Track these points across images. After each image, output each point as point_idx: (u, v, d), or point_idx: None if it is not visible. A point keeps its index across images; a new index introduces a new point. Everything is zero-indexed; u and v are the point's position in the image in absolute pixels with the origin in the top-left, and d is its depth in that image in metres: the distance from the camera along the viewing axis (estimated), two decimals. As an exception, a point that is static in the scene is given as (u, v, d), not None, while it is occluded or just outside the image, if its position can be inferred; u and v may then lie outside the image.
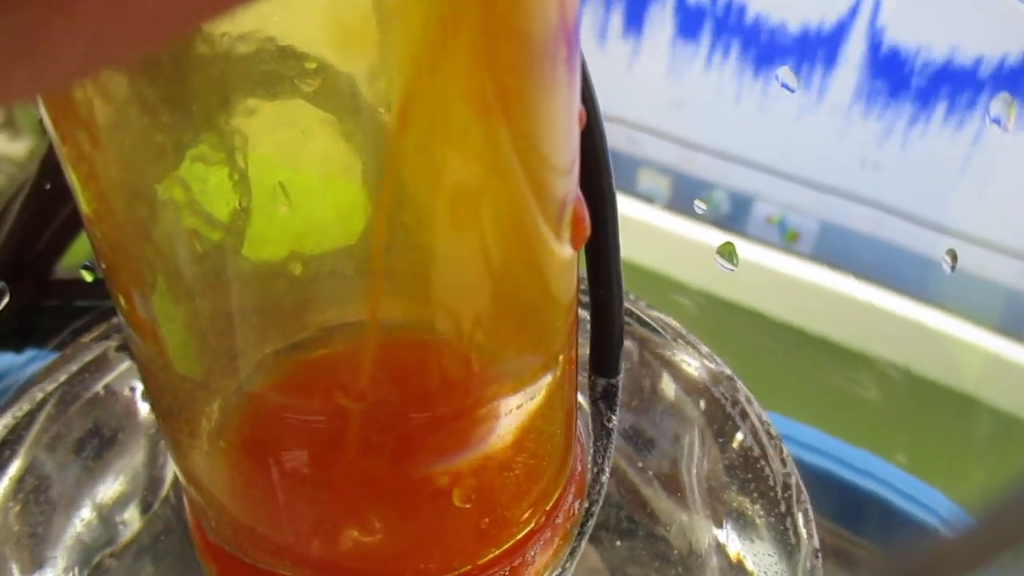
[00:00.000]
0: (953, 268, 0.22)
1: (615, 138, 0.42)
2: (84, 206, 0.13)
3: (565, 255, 0.15)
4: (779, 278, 0.38)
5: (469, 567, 0.15)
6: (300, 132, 0.13)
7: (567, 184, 0.14)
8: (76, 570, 0.18)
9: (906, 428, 0.25)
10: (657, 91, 0.40)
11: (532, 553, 0.16)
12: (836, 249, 0.38)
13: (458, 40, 0.12)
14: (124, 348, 0.21)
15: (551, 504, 0.16)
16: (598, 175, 0.19)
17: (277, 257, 0.14)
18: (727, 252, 0.24)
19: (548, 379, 0.15)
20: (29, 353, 0.23)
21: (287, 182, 0.13)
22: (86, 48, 0.07)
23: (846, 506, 0.23)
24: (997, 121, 0.23)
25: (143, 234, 0.13)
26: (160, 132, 0.12)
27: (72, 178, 0.13)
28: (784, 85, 0.31)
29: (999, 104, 0.23)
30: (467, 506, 0.14)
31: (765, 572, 0.19)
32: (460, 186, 0.13)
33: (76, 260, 0.23)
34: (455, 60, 0.12)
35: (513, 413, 0.15)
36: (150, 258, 0.14)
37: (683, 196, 0.41)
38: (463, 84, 0.12)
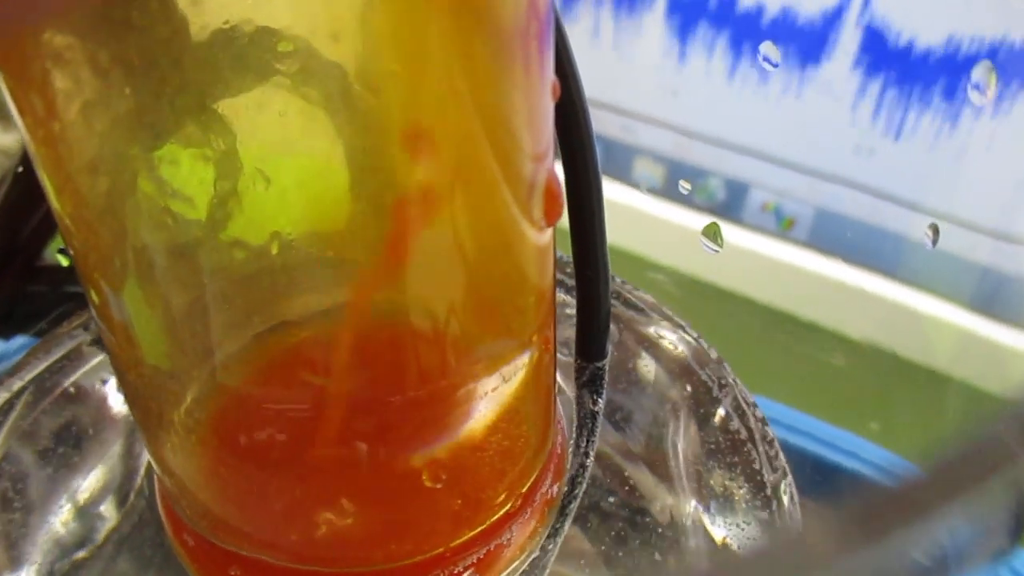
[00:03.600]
0: (935, 242, 0.22)
1: (609, 126, 0.41)
2: (50, 189, 0.13)
3: (539, 232, 0.15)
4: (775, 265, 0.38)
5: (442, 549, 0.15)
6: (272, 111, 0.12)
7: (539, 158, 0.14)
8: (53, 564, 0.18)
9: (899, 410, 0.25)
10: (651, 79, 0.40)
11: (508, 536, 0.16)
12: (831, 235, 0.37)
13: (427, 16, 0.12)
14: (97, 342, 0.21)
15: (527, 487, 0.16)
16: (582, 158, 0.19)
17: (250, 240, 0.14)
18: (712, 232, 0.24)
19: (523, 359, 0.15)
20: (17, 340, 0.23)
21: (260, 162, 0.13)
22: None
23: (827, 485, 0.23)
24: (977, 87, 0.22)
25: (111, 216, 0.13)
26: (125, 108, 0.12)
27: (37, 159, 0.13)
28: (766, 59, 0.31)
29: (980, 71, 0.22)
30: (438, 486, 0.14)
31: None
32: (429, 162, 0.13)
33: (62, 243, 0.23)
34: (422, 33, 0.12)
35: (487, 394, 0.15)
36: (119, 243, 0.13)
37: (678, 184, 0.41)
38: (432, 61, 0.12)
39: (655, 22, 0.38)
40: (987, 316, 0.25)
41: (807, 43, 0.34)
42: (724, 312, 0.35)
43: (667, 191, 0.41)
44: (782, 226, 0.40)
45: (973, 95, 0.23)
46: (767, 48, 0.31)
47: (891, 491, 0.08)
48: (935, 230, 0.22)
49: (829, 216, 0.38)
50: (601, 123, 0.40)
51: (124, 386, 0.16)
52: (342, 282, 0.15)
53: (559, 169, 0.18)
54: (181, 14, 0.11)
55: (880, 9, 0.33)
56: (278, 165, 0.13)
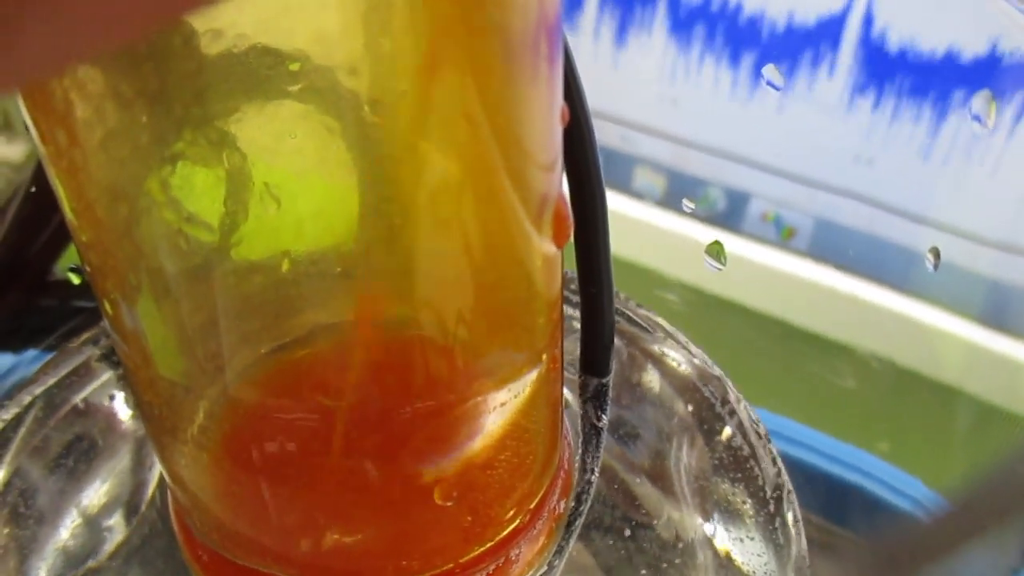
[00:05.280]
0: (936, 267, 0.22)
1: (609, 136, 0.42)
2: (67, 207, 0.13)
3: (547, 253, 0.15)
4: (776, 275, 0.38)
5: (452, 565, 0.15)
6: (285, 132, 0.13)
7: (548, 180, 0.14)
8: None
9: (895, 421, 0.25)
10: (651, 89, 0.40)
11: (516, 552, 0.16)
12: (831, 245, 0.38)
13: (438, 37, 0.12)
14: (105, 357, 0.21)
15: (535, 503, 0.16)
16: (587, 175, 0.19)
17: (263, 258, 0.14)
18: (715, 251, 0.24)
19: (531, 377, 0.15)
20: (28, 353, 0.23)
21: (272, 182, 0.13)
22: (62, 40, 0.07)
23: (832, 500, 0.23)
24: (977, 118, 0.23)
25: (127, 235, 0.13)
26: (142, 131, 0.12)
27: (54, 178, 0.13)
28: (769, 83, 0.31)
29: (979, 101, 0.23)
30: (449, 504, 0.14)
31: (755, 572, 0.19)
32: (441, 181, 0.13)
33: (73, 261, 0.23)
34: (436, 57, 0.12)
35: (496, 411, 0.15)
36: (134, 260, 0.14)
37: (678, 193, 0.41)
38: (444, 81, 0.12)
39: (656, 33, 0.38)
40: (994, 329, 0.25)
41: (807, 53, 0.34)
42: (725, 322, 0.35)
43: (667, 201, 0.41)
44: (782, 236, 0.40)
45: (974, 126, 0.23)
46: (770, 72, 0.31)
47: (912, 533, 0.08)
48: (936, 254, 0.22)
49: (829, 226, 0.38)
50: (601, 133, 0.40)
51: (138, 401, 0.16)
52: (354, 299, 0.15)
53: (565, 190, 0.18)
54: (199, 44, 0.11)
55: (881, 20, 0.33)
56: (290, 185, 0.13)
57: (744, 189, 0.40)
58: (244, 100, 0.12)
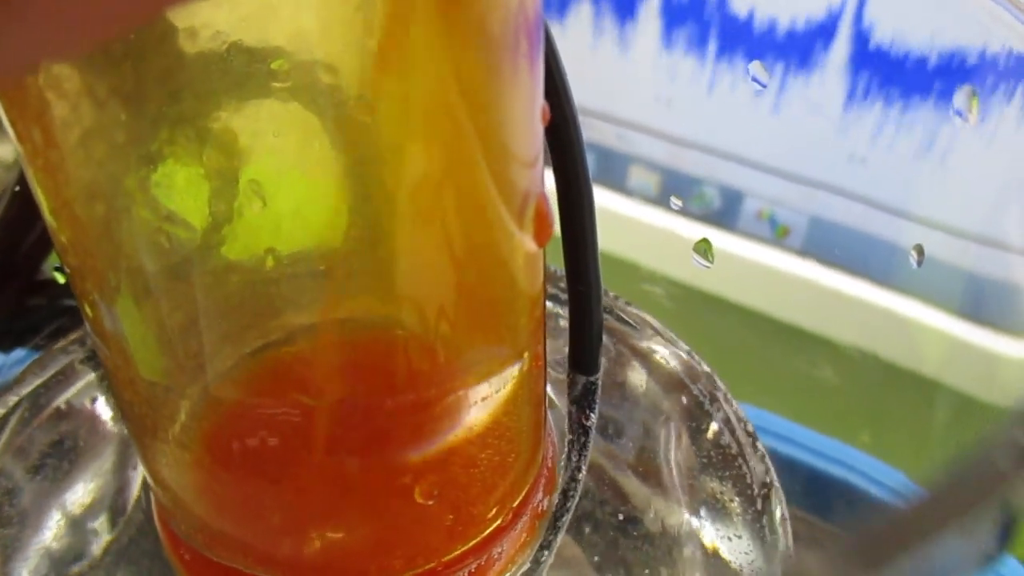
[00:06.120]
0: (920, 263, 0.22)
1: (605, 135, 0.42)
2: (46, 208, 0.13)
3: (529, 251, 0.15)
4: (770, 273, 0.38)
5: (434, 564, 0.15)
6: (265, 131, 0.13)
7: (529, 177, 0.14)
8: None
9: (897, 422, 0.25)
10: (646, 88, 0.40)
11: (499, 550, 0.16)
12: (825, 244, 0.38)
13: (417, 33, 0.12)
14: (90, 359, 0.21)
15: (518, 501, 0.16)
16: (575, 173, 0.19)
17: (245, 257, 0.14)
18: (702, 249, 0.24)
19: (513, 374, 0.15)
20: (16, 353, 0.23)
21: (254, 180, 0.13)
22: (37, 40, 0.07)
23: (817, 494, 0.23)
24: (959, 113, 0.23)
25: (106, 235, 0.13)
26: (121, 130, 0.12)
27: (32, 178, 0.13)
28: (755, 79, 0.31)
29: (961, 97, 0.23)
30: (430, 503, 0.14)
31: (741, 568, 0.19)
32: (420, 178, 0.13)
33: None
34: (415, 54, 0.12)
35: (477, 409, 0.15)
36: (114, 260, 0.14)
37: (673, 192, 0.41)
38: (423, 78, 0.12)
39: (651, 31, 0.38)
40: (973, 322, 0.25)
41: (800, 52, 0.34)
42: (719, 320, 0.35)
43: (662, 199, 0.41)
44: (777, 234, 0.40)
45: (956, 121, 0.23)
46: (756, 68, 0.31)
47: (888, 521, 0.08)
48: (920, 251, 0.22)
49: (824, 224, 0.38)
50: (597, 132, 0.40)
51: (119, 401, 0.16)
52: (335, 297, 0.15)
53: (551, 186, 0.18)
54: (178, 42, 0.11)
55: (873, 20, 0.33)
56: (272, 184, 0.13)
57: (739, 188, 0.40)
58: (224, 98, 0.12)
